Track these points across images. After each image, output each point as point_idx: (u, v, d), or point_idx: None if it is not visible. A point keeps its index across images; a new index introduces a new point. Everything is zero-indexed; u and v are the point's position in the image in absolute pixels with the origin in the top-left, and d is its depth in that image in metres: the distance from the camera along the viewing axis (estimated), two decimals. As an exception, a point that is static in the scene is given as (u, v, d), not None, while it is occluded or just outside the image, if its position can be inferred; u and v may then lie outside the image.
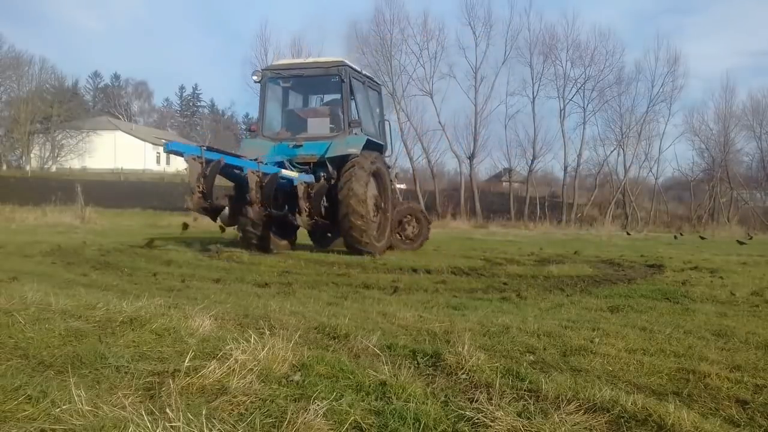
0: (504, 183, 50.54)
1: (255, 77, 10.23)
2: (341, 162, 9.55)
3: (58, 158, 51.88)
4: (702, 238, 20.54)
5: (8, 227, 16.53)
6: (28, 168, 46.69)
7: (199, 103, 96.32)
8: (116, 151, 56.10)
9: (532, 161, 42.11)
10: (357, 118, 10.22)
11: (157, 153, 62.70)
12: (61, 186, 26.80)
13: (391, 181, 10.91)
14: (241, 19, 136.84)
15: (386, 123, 11.78)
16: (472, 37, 40.62)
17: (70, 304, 3.54)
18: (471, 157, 41.34)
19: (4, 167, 48.44)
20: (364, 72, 11.20)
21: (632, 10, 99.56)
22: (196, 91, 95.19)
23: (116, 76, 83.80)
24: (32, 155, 50.13)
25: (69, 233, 14.50)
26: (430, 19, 41.88)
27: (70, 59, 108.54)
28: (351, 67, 10.34)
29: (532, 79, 41.16)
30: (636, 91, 41.42)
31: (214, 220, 9.03)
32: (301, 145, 9.86)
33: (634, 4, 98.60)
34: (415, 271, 7.85)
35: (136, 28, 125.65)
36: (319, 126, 10.36)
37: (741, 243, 17.25)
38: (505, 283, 6.80)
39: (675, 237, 22.80)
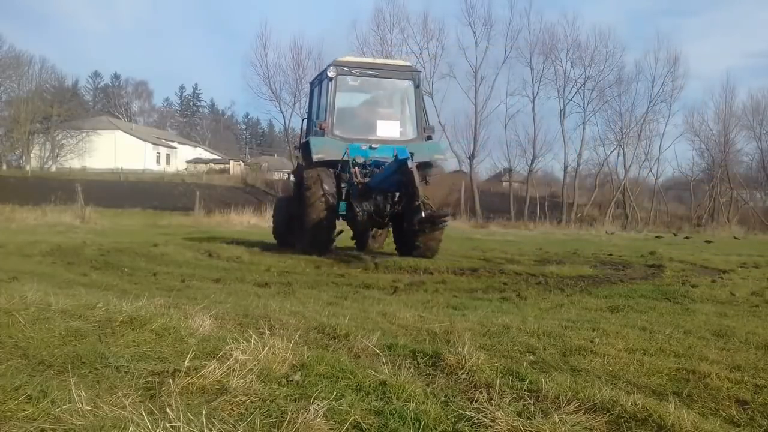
0: (504, 183, 50.41)
1: (330, 73, 10.01)
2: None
3: (58, 158, 51.82)
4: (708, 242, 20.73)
5: (8, 227, 16.53)
6: (28, 168, 46.64)
7: (199, 103, 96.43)
8: (116, 151, 55.98)
9: (532, 161, 42.10)
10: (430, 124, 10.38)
11: (157, 153, 62.64)
12: (61, 186, 26.82)
13: None
14: (241, 19, 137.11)
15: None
16: (472, 37, 40.63)
17: (70, 304, 3.54)
18: (471, 157, 41.34)
19: (4, 167, 48.40)
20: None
21: (632, 11, 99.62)
22: (196, 91, 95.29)
23: (116, 76, 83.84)
24: (32, 155, 50.08)
25: (69, 233, 14.51)
26: (430, 19, 41.86)
27: (70, 59, 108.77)
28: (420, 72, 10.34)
29: (532, 79, 41.18)
30: (636, 91, 41.45)
31: None
32: (375, 147, 9.83)
33: (634, 4, 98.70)
34: (415, 271, 7.85)
35: (136, 28, 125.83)
36: (389, 129, 10.40)
37: (736, 238, 19.57)
38: (505, 283, 6.80)
39: (674, 234, 23.33)
